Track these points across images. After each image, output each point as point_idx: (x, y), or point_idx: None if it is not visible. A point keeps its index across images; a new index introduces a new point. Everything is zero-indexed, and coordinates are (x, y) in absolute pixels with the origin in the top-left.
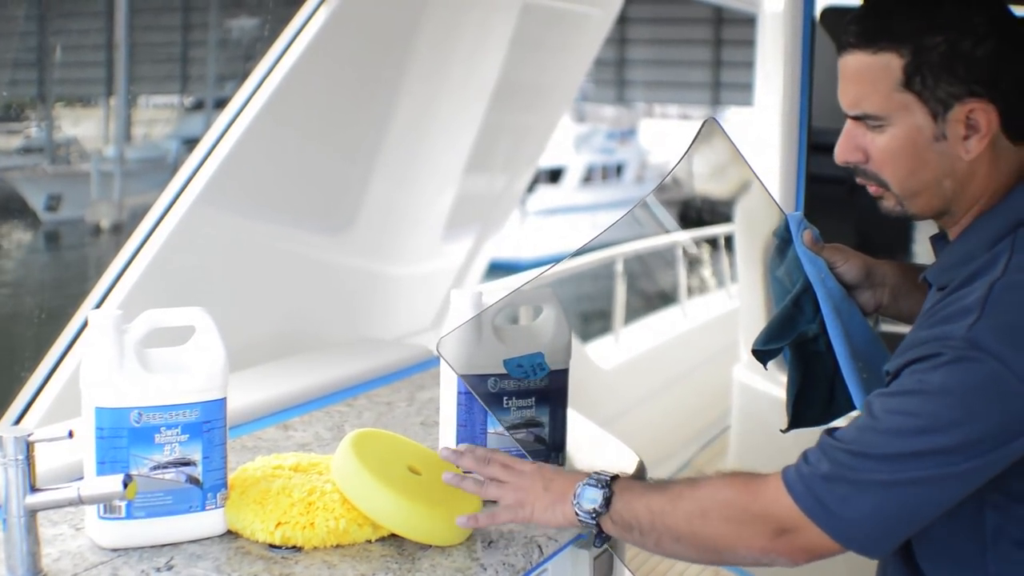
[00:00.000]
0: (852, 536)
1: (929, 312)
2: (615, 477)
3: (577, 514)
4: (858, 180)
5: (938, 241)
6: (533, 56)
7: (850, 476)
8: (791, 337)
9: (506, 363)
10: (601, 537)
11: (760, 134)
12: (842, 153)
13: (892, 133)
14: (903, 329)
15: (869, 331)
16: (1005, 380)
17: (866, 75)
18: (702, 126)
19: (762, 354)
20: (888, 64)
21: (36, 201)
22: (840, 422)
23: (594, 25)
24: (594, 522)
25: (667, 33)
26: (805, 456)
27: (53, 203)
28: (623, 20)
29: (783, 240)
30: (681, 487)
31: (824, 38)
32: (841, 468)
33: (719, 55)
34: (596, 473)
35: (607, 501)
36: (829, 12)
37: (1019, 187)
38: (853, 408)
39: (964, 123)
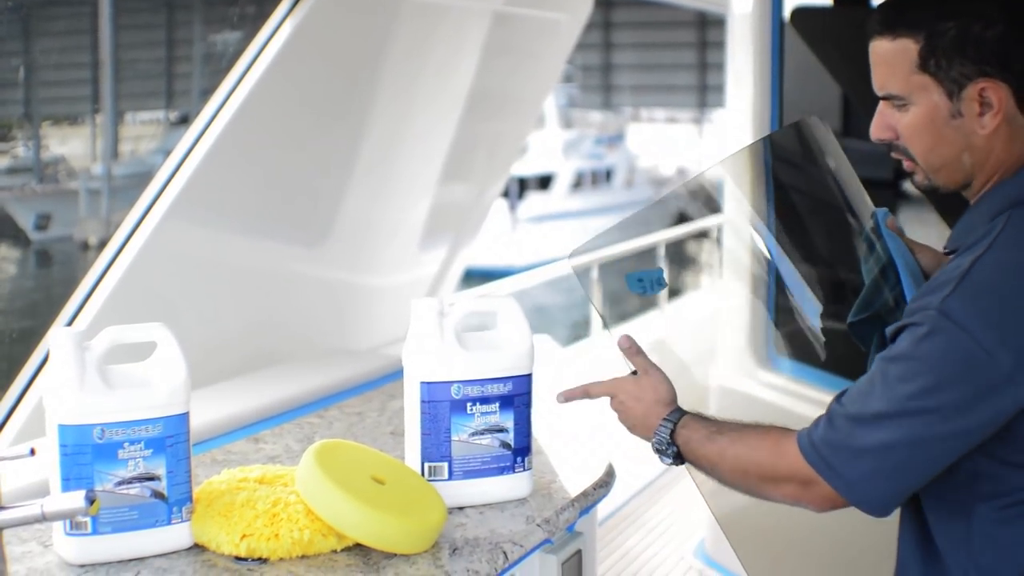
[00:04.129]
0: (856, 495)
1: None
2: (679, 418)
3: (659, 454)
4: (893, 155)
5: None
6: (504, 64)
7: (849, 441)
8: (878, 305)
9: (627, 277)
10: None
11: (732, 135)
12: (876, 131)
13: (914, 112)
14: None
15: None
16: (971, 351)
17: (888, 59)
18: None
19: (856, 328)
20: (905, 48)
21: (25, 220)
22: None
23: (564, 31)
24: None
25: (652, 37)
26: (817, 420)
27: (42, 222)
28: (608, 25)
29: (871, 237)
30: (727, 442)
31: (794, 38)
32: (841, 434)
33: (704, 57)
34: (661, 424)
35: (676, 456)
36: (799, 13)
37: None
38: None
39: (978, 101)
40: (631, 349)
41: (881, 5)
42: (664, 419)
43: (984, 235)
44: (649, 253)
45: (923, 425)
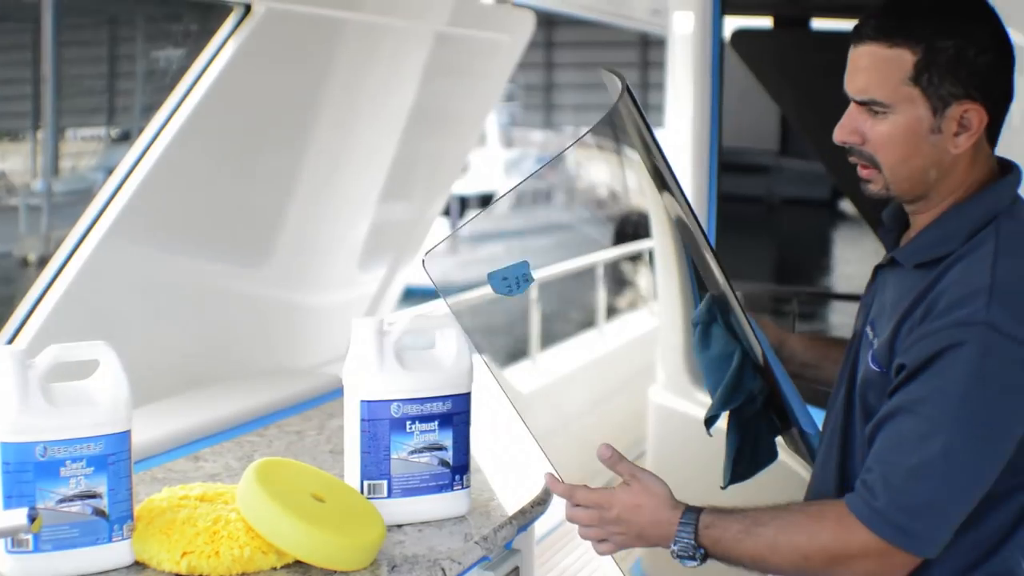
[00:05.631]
0: (932, 548)
1: (924, 296)
2: (699, 518)
3: (681, 559)
4: (851, 159)
5: (887, 234)
6: (446, 83)
7: (924, 497)
8: (743, 396)
9: (490, 277)
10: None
11: (671, 155)
12: (842, 133)
13: (894, 121)
14: None
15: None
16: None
17: (880, 65)
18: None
19: (712, 420)
20: (901, 58)
21: None
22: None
23: (505, 51)
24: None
25: (595, 57)
26: (868, 487)
27: None
28: (550, 44)
29: (706, 322)
30: (774, 532)
31: (733, 59)
32: (910, 493)
33: (646, 77)
34: (681, 529)
35: (704, 558)
36: (739, 34)
37: (993, 186)
38: (773, 461)
39: (958, 121)
40: (613, 458)
41: (879, 11)
42: (682, 523)
43: (975, 247)
44: (589, 273)
45: (990, 448)
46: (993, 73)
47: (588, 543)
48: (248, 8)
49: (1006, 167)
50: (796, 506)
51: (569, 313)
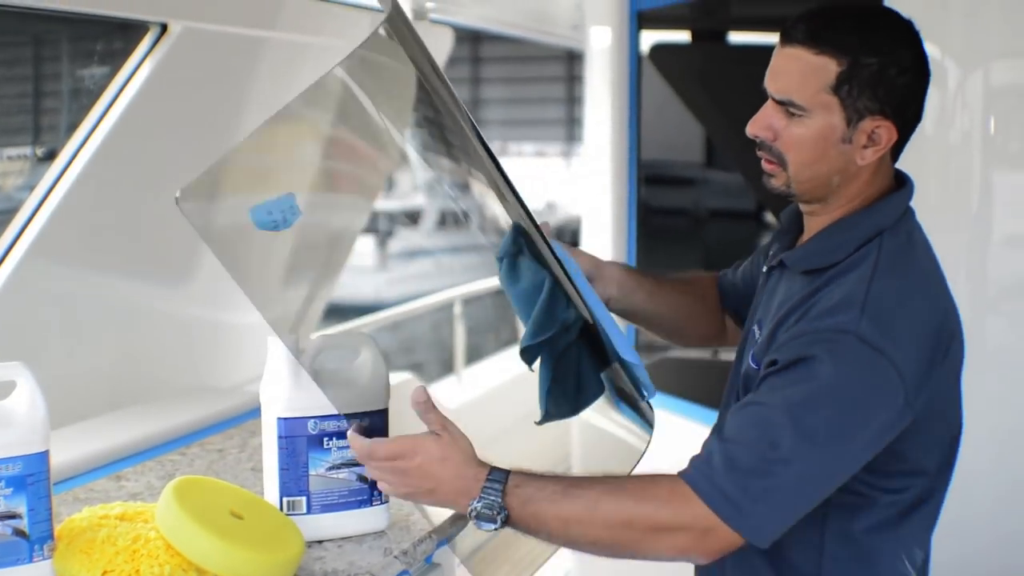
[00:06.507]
0: (760, 535)
1: (804, 303)
2: (507, 477)
3: (480, 520)
4: (758, 153)
5: (784, 235)
6: (366, 101)
7: (767, 483)
8: (556, 326)
9: (252, 212)
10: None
11: (590, 169)
12: (755, 127)
13: (808, 124)
14: None
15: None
16: (890, 374)
17: (804, 70)
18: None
19: (528, 352)
20: (826, 67)
21: None
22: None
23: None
24: (497, 529)
25: (521, 71)
26: (709, 462)
27: None
28: (477, 60)
29: (512, 254)
30: (597, 494)
31: (651, 73)
32: (757, 477)
33: (573, 91)
34: (487, 485)
35: (504, 521)
36: (657, 49)
37: (882, 200)
38: (599, 395)
39: (868, 135)
40: (427, 404)
41: (809, 16)
42: (489, 479)
43: (859, 261)
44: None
45: (840, 452)
46: (909, 94)
47: (515, 560)
48: (164, 27)
49: (901, 180)
50: (626, 476)
51: (494, 329)
